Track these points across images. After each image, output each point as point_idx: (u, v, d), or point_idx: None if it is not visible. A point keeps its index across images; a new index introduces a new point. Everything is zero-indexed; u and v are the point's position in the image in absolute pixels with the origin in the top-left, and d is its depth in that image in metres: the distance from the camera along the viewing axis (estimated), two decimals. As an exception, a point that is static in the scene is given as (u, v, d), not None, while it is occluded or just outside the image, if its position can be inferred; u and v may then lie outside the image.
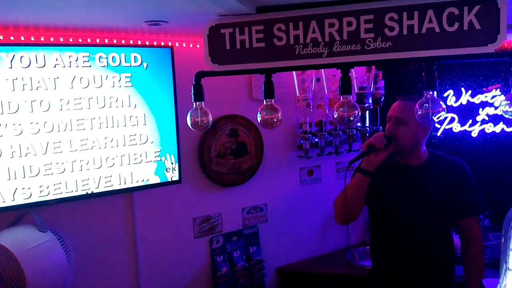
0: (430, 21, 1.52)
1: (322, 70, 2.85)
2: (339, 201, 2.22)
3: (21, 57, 2.20)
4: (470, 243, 2.20)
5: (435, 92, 1.59)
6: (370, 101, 3.15)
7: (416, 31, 1.55)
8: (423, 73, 1.60)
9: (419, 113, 1.60)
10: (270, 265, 3.28)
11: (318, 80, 2.98)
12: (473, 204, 2.20)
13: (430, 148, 2.29)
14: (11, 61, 2.18)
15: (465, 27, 1.50)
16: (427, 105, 1.59)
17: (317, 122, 3.25)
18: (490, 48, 1.49)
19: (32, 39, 2.33)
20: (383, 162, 2.14)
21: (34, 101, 2.25)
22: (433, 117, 1.59)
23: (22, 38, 2.30)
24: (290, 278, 3.36)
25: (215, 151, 3.02)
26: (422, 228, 2.17)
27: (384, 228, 2.28)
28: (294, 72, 2.61)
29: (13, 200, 2.25)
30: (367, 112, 3.31)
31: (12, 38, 2.28)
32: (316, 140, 3.22)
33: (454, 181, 2.16)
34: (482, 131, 3.28)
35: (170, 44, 2.72)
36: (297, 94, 2.46)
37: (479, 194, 2.21)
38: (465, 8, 1.49)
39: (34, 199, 2.30)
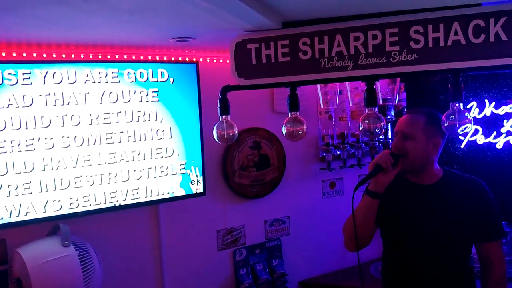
0: (456, 33, 1.53)
1: (346, 82, 2.86)
2: (348, 226, 2.06)
3: (54, 73, 2.28)
4: (491, 268, 2.00)
5: (461, 104, 1.60)
6: (392, 113, 3.16)
7: (441, 44, 1.55)
8: (449, 85, 1.60)
9: (445, 124, 1.60)
10: (293, 278, 3.27)
11: (340, 92, 3.00)
12: (495, 227, 2.01)
13: (445, 166, 2.10)
14: (44, 77, 2.26)
15: (491, 39, 1.50)
16: (453, 116, 1.59)
17: (339, 134, 3.26)
18: (518, 59, 1.49)
19: (64, 56, 2.41)
20: (393, 181, 1.96)
21: (66, 115, 2.33)
22: (459, 129, 1.60)
23: (54, 55, 2.39)
24: (313, 291, 3.34)
25: (238, 163, 3.06)
26: (436, 252, 1.99)
27: (397, 250, 2.11)
28: (318, 85, 2.64)
29: (44, 212, 2.31)
30: (389, 124, 3.31)
31: (44, 55, 2.37)
32: (338, 152, 3.23)
33: (472, 203, 1.97)
34: (507, 143, 3.22)
35: (195, 59, 2.78)
36: (321, 107, 2.47)
37: (500, 216, 2.03)
38: (491, 20, 1.49)
39: (64, 211, 2.36)
